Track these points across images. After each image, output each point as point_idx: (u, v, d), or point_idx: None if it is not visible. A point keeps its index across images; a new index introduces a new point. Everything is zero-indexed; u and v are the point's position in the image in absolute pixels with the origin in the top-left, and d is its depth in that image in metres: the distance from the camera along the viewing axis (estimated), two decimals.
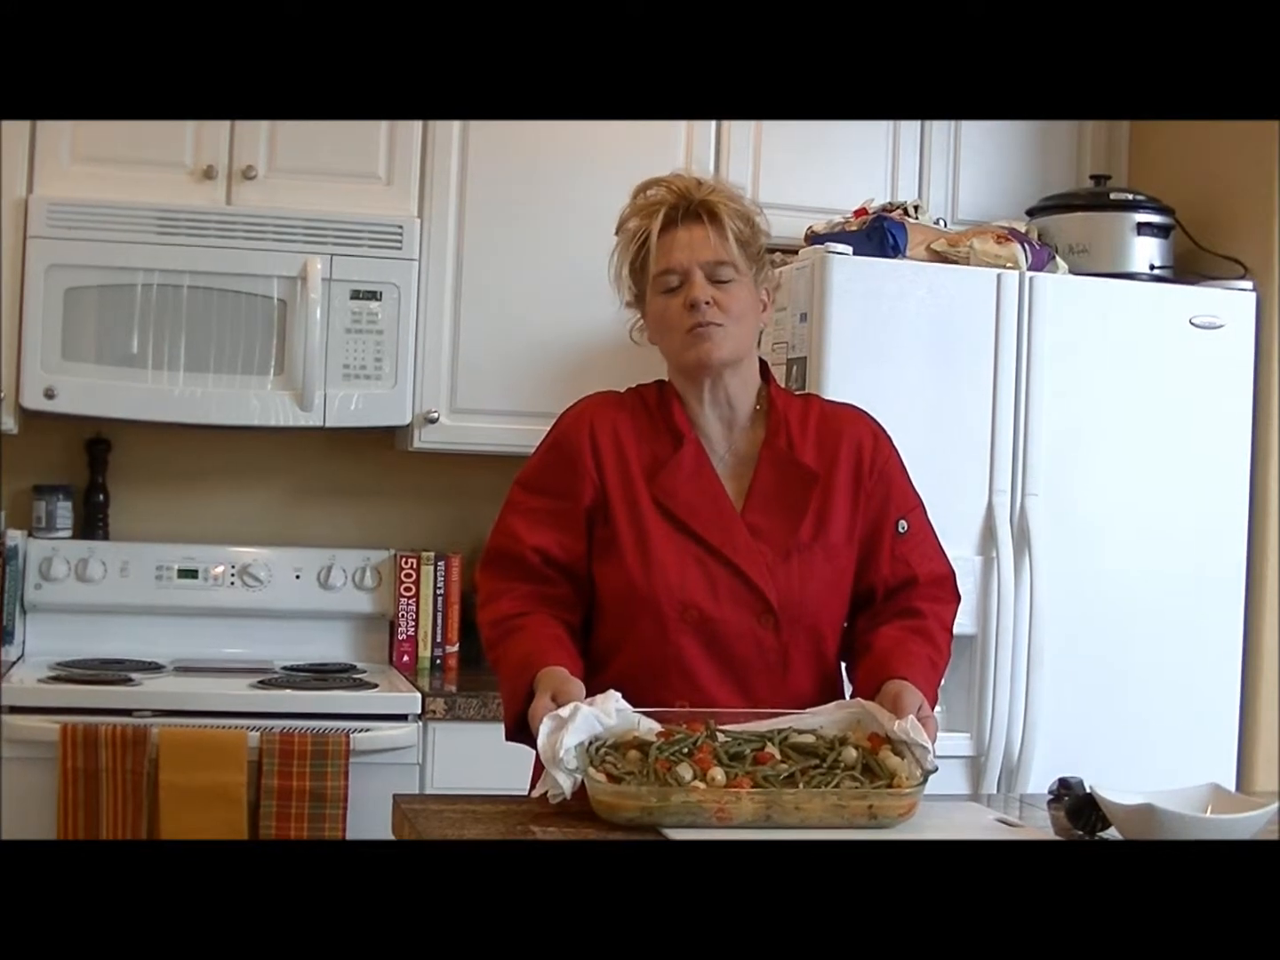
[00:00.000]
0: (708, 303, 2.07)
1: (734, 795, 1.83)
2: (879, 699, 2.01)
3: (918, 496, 2.24)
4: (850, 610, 2.20)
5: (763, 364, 2.23)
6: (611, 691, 1.97)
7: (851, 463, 2.16)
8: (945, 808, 2.03)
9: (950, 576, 2.24)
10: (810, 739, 1.94)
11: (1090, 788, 1.92)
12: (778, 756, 1.90)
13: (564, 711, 1.91)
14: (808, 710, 2.03)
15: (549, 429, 2.24)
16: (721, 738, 1.94)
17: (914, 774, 1.89)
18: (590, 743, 1.90)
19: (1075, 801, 1.94)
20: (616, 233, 2.18)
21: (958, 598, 2.25)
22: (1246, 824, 1.83)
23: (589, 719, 1.91)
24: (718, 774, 1.85)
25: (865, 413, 2.24)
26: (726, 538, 2.11)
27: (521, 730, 2.03)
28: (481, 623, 2.20)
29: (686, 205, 2.09)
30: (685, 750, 1.89)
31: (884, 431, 2.22)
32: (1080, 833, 1.92)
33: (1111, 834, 1.90)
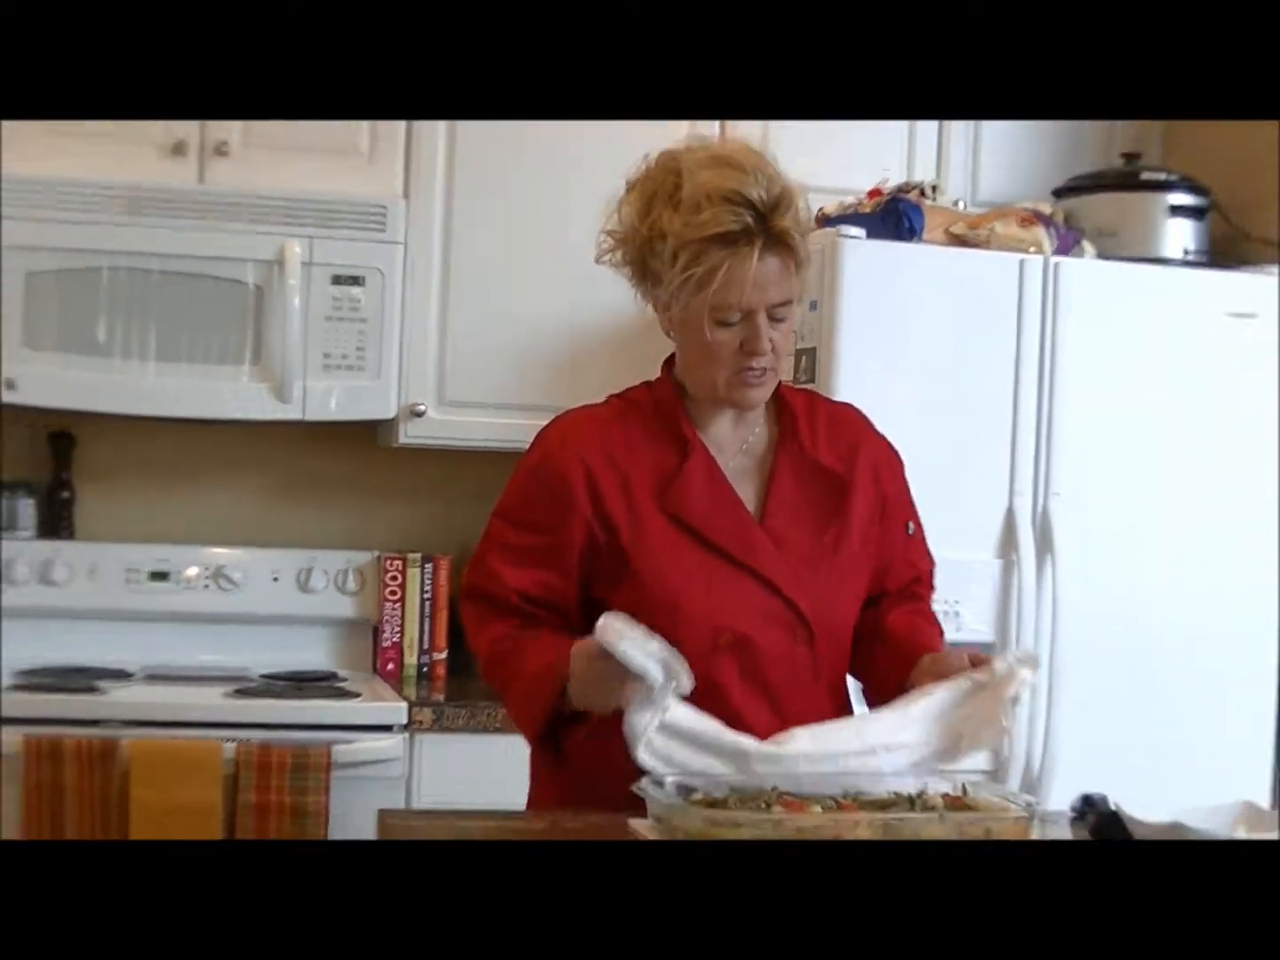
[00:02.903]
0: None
1: (852, 820, 1.81)
2: (928, 670, 2.03)
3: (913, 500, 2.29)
4: None
5: None
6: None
7: (872, 469, 2.19)
8: None
9: (933, 568, 2.31)
10: (884, 796, 1.92)
11: (1115, 805, 1.93)
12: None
13: (615, 622, 1.87)
14: (918, 692, 2.00)
15: (529, 449, 2.18)
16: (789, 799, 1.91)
17: (1015, 804, 1.92)
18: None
19: (1099, 819, 1.94)
20: (658, 234, 2.02)
21: (933, 587, 2.32)
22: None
23: (639, 641, 1.86)
24: (817, 808, 1.85)
25: (865, 414, 2.27)
26: (751, 550, 2.09)
27: (549, 731, 2.04)
28: (479, 646, 2.15)
29: (766, 232, 2.00)
30: (766, 802, 1.86)
31: (885, 436, 2.26)
32: None
33: None
